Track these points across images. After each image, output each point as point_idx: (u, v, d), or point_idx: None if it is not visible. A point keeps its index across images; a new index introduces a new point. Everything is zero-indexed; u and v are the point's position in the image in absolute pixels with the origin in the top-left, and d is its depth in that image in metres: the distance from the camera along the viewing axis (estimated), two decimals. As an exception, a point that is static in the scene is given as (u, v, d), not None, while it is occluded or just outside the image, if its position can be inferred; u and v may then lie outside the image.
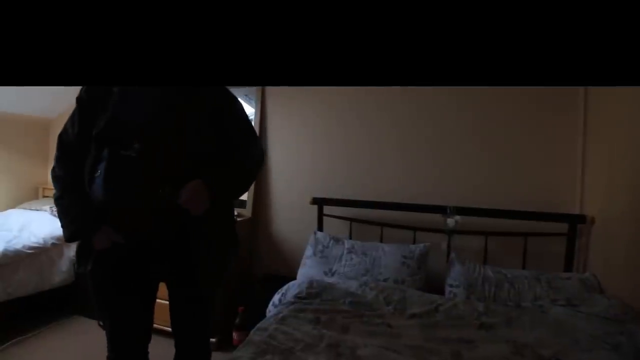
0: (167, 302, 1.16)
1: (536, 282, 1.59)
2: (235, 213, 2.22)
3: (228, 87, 1.19)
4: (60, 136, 1.09)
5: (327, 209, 2.16)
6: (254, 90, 2.42)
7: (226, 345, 1.98)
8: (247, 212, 2.35)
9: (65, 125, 1.09)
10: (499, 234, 1.85)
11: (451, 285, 1.69)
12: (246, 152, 1.14)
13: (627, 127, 1.47)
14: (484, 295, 1.60)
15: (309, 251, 1.98)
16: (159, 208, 1.01)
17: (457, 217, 1.85)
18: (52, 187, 1.11)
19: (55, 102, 2.81)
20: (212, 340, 1.90)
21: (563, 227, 1.76)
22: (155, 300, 1.17)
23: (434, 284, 1.78)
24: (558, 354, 1.13)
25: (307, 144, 2.31)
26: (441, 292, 1.69)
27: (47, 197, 2.88)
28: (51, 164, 1.10)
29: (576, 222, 1.74)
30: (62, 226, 1.05)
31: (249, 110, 2.43)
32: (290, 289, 1.62)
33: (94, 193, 1.02)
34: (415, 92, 2.05)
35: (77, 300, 2.30)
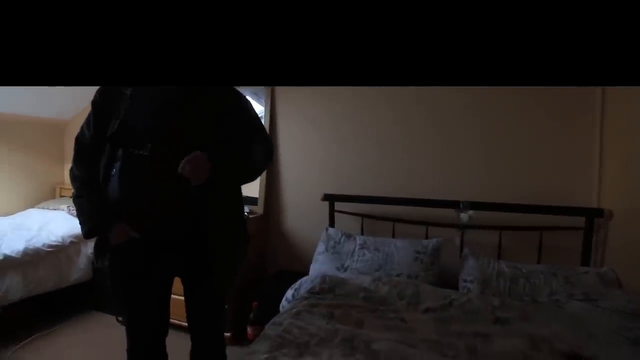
0: (183, 298, 1.19)
1: (552, 277, 1.57)
2: (247, 210, 2.25)
3: (237, 86, 1.21)
4: (77, 138, 1.13)
5: (338, 205, 2.16)
6: (262, 88, 2.43)
7: (241, 339, 2.00)
8: (258, 209, 2.37)
9: (82, 127, 1.13)
10: (513, 229, 1.82)
11: (465, 280, 1.68)
12: (254, 146, 1.16)
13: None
14: (499, 291, 1.58)
15: (321, 247, 1.99)
16: (171, 204, 1.05)
17: (471, 212, 1.83)
18: (69, 186, 1.15)
19: (69, 105, 2.88)
20: (227, 334, 1.93)
21: (580, 221, 1.72)
22: (170, 294, 1.20)
23: (447, 279, 1.77)
24: (576, 348, 1.12)
25: (317, 141, 2.32)
26: (455, 287, 1.68)
27: (64, 196, 2.95)
28: (67, 164, 1.15)
29: (594, 215, 1.70)
30: (80, 223, 1.09)
31: (259, 108, 2.44)
32: (304, 285, 1.63)
33: (110, 191, 1.06)
34: (427, 87, 2.03)
35: (94, 297, 2.36)
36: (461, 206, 1.85)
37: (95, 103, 1.11)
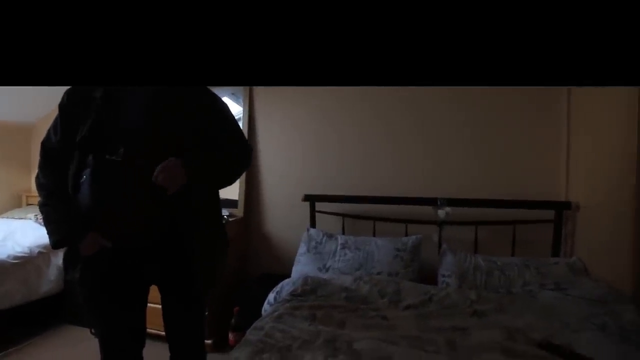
0: (160, 306, 1.15)
1: (525, 269, 1.63)
2: (227, 213, 2.21)
3: (214, 86, 1.18)
4: (43, 143, 1.08)
5: (319, 206, 2.16)
6: (241, 88, 2.40)
7: (222, 346, 1.97)
8: (238, 211, 2.33)
9: (48, 132, 1.08)
10: (488, 223, 1.88)
11: (444, 275, 1.72)
12: (231, 150, 1.14)
13: (609, 118, 1.52)
14: (476, 284, 1.63)
15: (302, 248, 1.99)
16: (146, 210, 1.01)
17: (448, 209, 1.88)
18: (37, 194, 1.09)
19: (33, 108, 2.74)
20: (208, 341, 1.90)
21: (550, 214, 1.80)
22: (146, 304, 1.16)
23: (427, 275, 1.81)
24: (548, 336, 1.17)
25: (296, 141, 2.31)
26: (434, 282, 1.72)
27: (31, 204, 2.80)
28: (34, 170, 1.09)
29: (562, 208, 1.79)
30: (48, 233, 1.04)
31: (237, 109, 2.41)
32: (285, 287, 1.62)
33: (80, 199, 1.01)
34: (404, 87, 2.07)
35: (67, 309, 2.26)
36: (438, 203, 1.89)
37: (62, 106, 1.05)
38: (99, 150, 0.99)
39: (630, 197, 1.32)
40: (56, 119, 1.06)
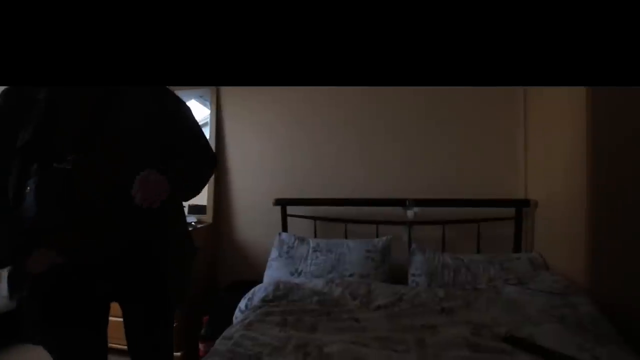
0: (121, 319, 1.08)
1: (490, 265, 1.69)
2: (194, 220, 2.15)
3: (181, 88, 1.13)
4: None
5: (290, 209, 2.14)
6: (208, 91, 2.34)
7: (192, 358, 1.90)
8: (207, 218, 2.27)
9: None
10: (455, 222, 1.94)
11: (414, 275, 1.75)
12: (193, 157, 1.08)
13: (561, 118, 1.61)
14: (444, 282, 1.67)
15: (274, 253, 1.96)
16: (101, 221, 0.92)
17: (416, 209, 1.92)
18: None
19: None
20: (177, 354, 1.82)
21: (511, 211, 1.89)
22: (107, 323, 1.07)
23: (397, 275, 1.83)
24: (512, 330, 1.21)
25: (266, 144, 2.28)
26: (405, 282, 1.75)
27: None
28: None
29: (521, 206, 1.87)
30: None
31: (204, 112, 2.35)
32: (257, 293, 1.59)
33: (24, 212, 0.90)
34: (372, 90, 2.10)
35: (19, 328, 2.09)
36: (407, 204, 1.93)
37: None
38: (44, 158, 0.89)
39: (582, 194, 1.40)
40: None
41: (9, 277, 0.96)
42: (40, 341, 1.01)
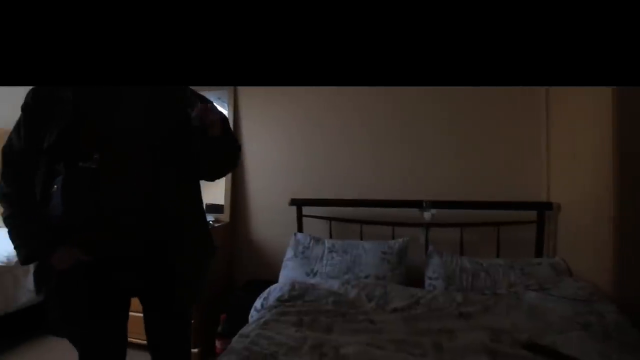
0: (141, 315, 1.12)
1: (510, 270, 1.65)
2: (212, 219, 2.18)
3: (199, 90, 1.15)
4: (4, 149, 0.98)
5: (306, 210, 2.15)
6: (226, 92, 2.38)
7: (209, 354, 1.93)
8: (224, 217, 2.30)
9: (10, 137, 0.98)
10: (473, 225, 1.90)
11: (430, 278, 1.72)
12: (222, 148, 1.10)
13: (585, 119, 1.55)
14: (462, 286, 1.64)
15: (289, 253, 1.97)
16: (125, 218, 0.96)
17: (433, 211, 1.89)
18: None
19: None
20: (195, 350, 1.86)
21: (532, 215, 1.83)
22: (127, 318, 1.11)
23: (414, 278, 1.81)
24: (533, 337, 1.18)
25: (282, 145, 2.30)
26: (421, 285, 1.72)
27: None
28: None
29: (544, 209, 1.82)
30: (16, 248, 0.95)
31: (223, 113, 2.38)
32: (272, 293, 1.60)
33: (51, 209, 0.94)
34: (389, 90, 2.09)
35: (47, 321, 2.18)
36: (424, 205, 1.90)
37: (26, 108, 0.96)
38: (70, 157, 0.92)
39: (609, 198, 1.35)
40: (18, 122, 0.97)
41: (35, 272, 1.00)
42: (65, 334, 1.04)
